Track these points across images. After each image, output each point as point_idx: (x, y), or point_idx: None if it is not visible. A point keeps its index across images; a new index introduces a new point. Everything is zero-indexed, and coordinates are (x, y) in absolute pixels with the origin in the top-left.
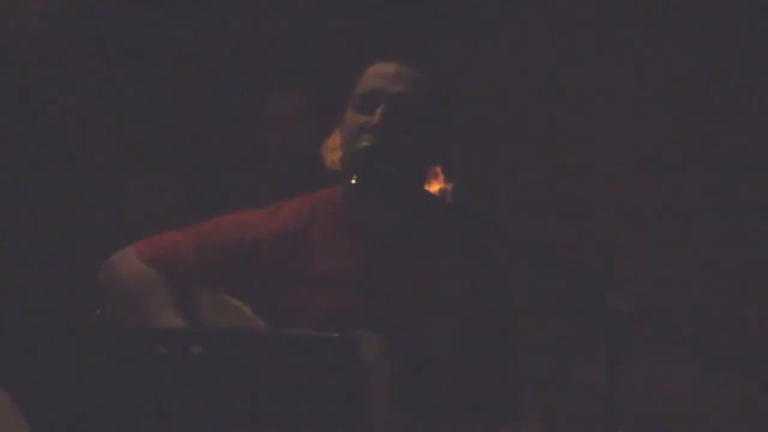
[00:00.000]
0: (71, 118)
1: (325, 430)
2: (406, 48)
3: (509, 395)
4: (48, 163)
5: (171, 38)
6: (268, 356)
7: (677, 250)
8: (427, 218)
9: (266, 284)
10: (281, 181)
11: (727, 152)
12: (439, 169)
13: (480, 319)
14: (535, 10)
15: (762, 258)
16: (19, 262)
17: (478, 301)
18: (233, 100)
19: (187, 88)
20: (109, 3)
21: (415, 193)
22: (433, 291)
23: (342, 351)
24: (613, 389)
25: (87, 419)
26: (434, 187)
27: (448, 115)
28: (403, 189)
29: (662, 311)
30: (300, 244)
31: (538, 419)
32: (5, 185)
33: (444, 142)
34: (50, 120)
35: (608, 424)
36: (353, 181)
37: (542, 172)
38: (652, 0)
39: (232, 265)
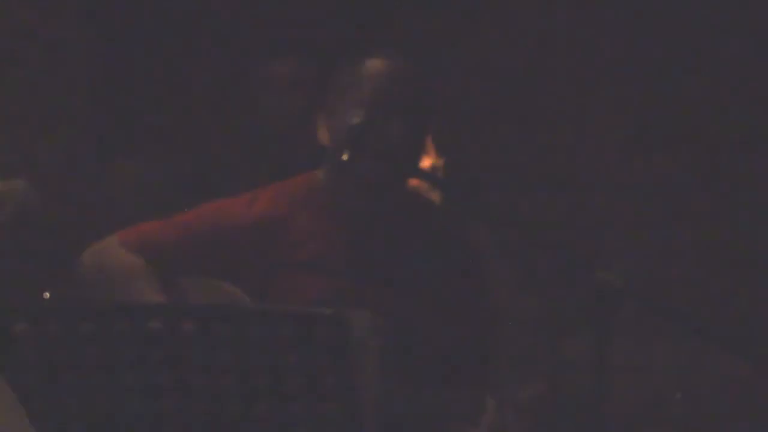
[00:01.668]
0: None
1: (316, 405)
2: (396, 25)
3: (488, 363)
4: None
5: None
6: (259, 333)
7: (666, 227)
8: (410, 201)
9: (251, 271)
10: (270, 150)
11: (714, 130)
12: (430, 146)
13: (457, 297)
14: None
15: (749, 235)
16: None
17: (455, 280)
18: (222, 74)
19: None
20: None
21: (401, 179)
22: (414, 272)
23: (333, 327)
24: (601, 365)
25: (78, 397)
26: (426, 163)
27: (437, 103)
28: (391, 172)
29: (651, 287)
30: (282, 232)
31: (539, 383)
32: None
33: (431, 128)
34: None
35: (596, 399)
36: (344, 158)
37: (532, 149)
38: None
39: (214, 254)
